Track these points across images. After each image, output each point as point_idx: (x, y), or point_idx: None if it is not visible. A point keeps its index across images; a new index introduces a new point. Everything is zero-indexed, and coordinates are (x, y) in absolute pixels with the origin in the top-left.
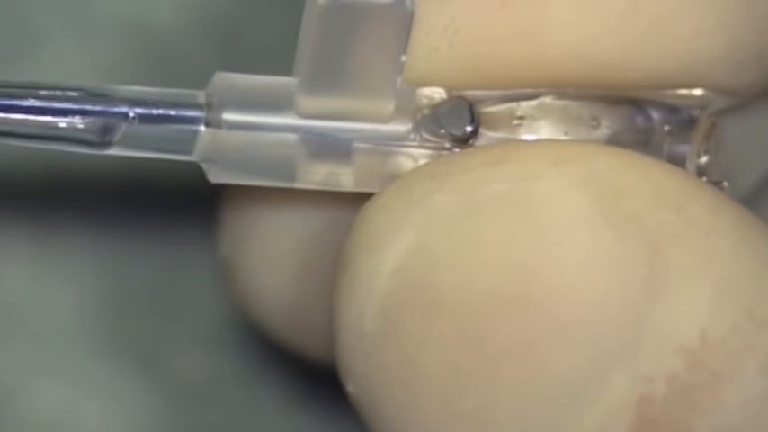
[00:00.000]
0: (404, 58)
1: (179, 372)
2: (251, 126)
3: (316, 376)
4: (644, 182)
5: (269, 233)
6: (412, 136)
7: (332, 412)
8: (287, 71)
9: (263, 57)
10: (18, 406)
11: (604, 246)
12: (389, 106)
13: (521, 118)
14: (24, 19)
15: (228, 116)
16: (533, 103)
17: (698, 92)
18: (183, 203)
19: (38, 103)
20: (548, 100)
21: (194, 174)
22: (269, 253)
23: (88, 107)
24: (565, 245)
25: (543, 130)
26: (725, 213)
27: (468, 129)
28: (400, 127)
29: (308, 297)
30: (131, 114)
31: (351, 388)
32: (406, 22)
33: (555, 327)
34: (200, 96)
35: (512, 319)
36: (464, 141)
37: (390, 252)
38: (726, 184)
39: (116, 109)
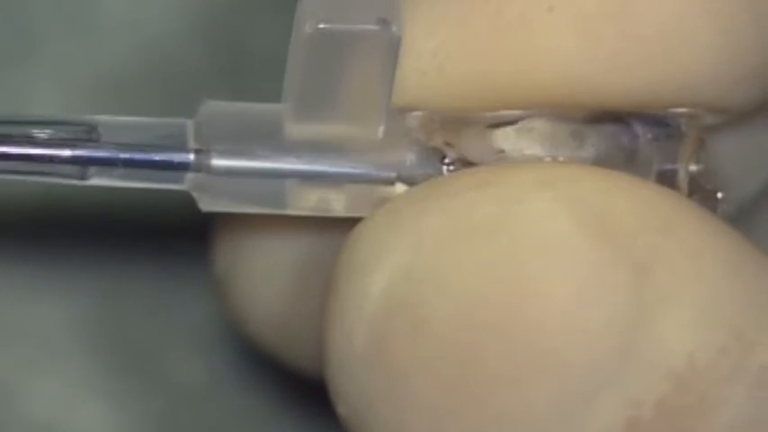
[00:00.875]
0: (392, 82)
1: (176, 375)
2: (241, 170)
3: (310, 383)
4: (631, 204)
5: (262, 253)
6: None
7: (326, 418)
8: (283, 72)
9: (261, 59)
10: (16, 408)
11: (591, 269)
12: (379, 131)
13: (500, 152)
14: (24, 19)
15: (217, 162)
16: (511, 130)
17: (688, 111)
18: (180, 211)
19: (16, 150)
20: (528, 124)
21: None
22: (262, 273)
23: (73, 153)
24: (551, 268)
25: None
26: (712, 235)
27: (445, 170)
28: (390, 155)
29: (300, 316)
30: (118, 160)
31: (341, 409)
32: (393, 48)
33: (542, 352)
34: (189, 132)
35: (499, 344)
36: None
37: (379, 274)
38: (720, 195)
39: (102, 154)
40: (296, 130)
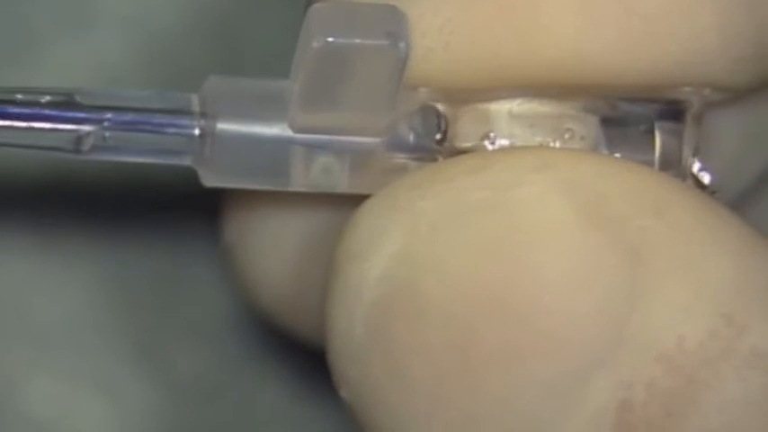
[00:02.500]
0: (398, 92)
1: (179, 368)
2: (245, 135)
3: (316, 371)
4: (624, 187)
5: (271, 224)
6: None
7: (332, 407)
8: (285, 70)
9: (261, 55)
10: (18, 403)
11: (585, 252)
12: (383, 126)
13: (489, 137)
14: (24, 18)
15: (222, 125)
16: (503, 111)
17: (691, 89)
18: (183, 199)
19: (16, 110)
20: (517, 108)
21: (194, 170)
22: (272, 241)
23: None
24: (546, 251)
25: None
26: (706, 218)
27: (438, 136)
28: (393, 136)
29: (308, 287)
30: (122, 122)
31: (343, 393)
32: (400, 62)
33: (537, 333)
34: (194, 102)
35: (494, 326)
36: (431, 151)
37: (376, 259)
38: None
39: (104, 115)
40: (300, 120)
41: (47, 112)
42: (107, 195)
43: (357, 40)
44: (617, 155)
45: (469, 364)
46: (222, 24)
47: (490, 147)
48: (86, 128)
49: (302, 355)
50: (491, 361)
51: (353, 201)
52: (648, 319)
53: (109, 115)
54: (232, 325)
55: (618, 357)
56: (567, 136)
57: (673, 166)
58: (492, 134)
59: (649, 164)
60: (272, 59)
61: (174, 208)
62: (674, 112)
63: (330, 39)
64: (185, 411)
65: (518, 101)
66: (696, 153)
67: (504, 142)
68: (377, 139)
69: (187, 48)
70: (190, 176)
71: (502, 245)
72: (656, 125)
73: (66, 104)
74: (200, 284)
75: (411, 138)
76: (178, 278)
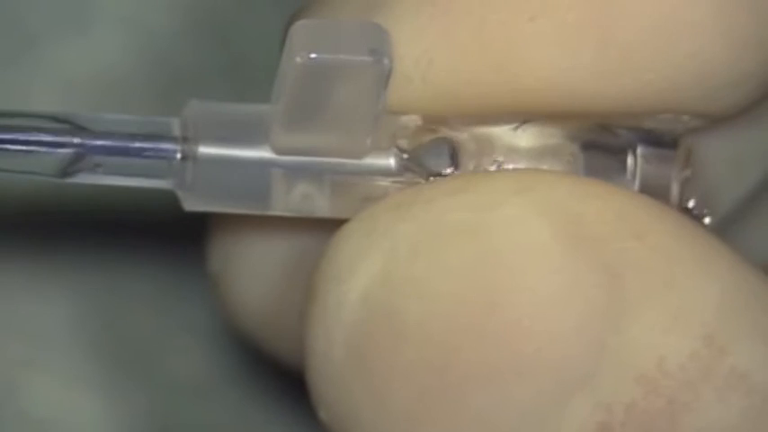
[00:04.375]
0: (382, 108)
1: (176, 369)
2: (226, 160)
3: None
4: (605, 209)
5: (255, 252)
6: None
7: None
8: None
9: (260, 56)
10: (16, 404)
11: (564, 274)
12: (365, 147)
13: (496, 161)
14: (23, 19)
15: (203, 150)
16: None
17: (672, 116)
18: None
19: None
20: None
21: None
22: (255, 271)
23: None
24: (525, 273)
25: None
26: (686, 240)
27: (448, 170)
28: (376, 159)
29: (290, 313)
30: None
31: (322, 415)
32: (383, 78)
33: (516, 356)
34: (175, 127)
35: (474, 349)
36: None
37: (355, 281)
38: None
39: (93, 142)
40: (282, 141)
41: (27, 137)
42: (105, 198)
43: (341, 56)
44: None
45: (448, 385)
46: (220, 25)
47: (468, 169)
48: (67, 151)
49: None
50: (470, 382)
51: (336, 226)
52: (628, 340)
53: (89, 140)
54: (226, 328)
55: (597, 379)
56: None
57: (653, 190)
58: (471, 158)
59: (627, 188)
60: (270, 61)
61: (172, 209)
62: (653, 137)
63: (313, 55)
64: (182, 412)
65: (504, 127)
66: (678, 178)
67: (481, 166)
68: (358, 163)
69: (185, 49)
70: None
71: (481, 267)
72: (636, 151)
73: (47, 129)
74: (198, 286)
75: (392, 162)
76: (175, 280)
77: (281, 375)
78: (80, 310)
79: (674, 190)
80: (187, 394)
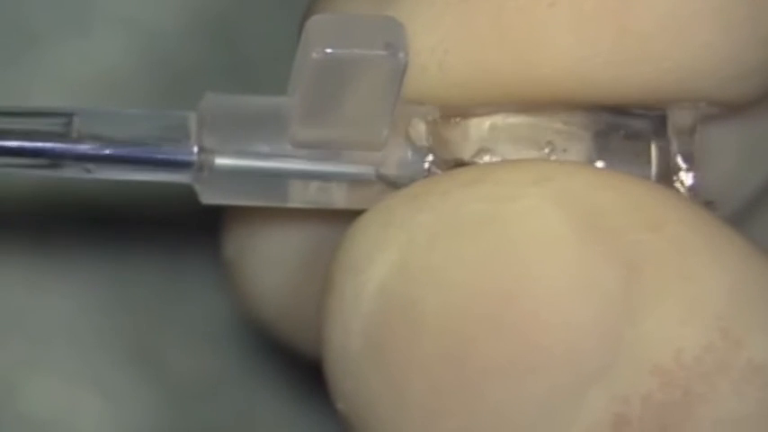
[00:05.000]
0: (397, 100)
1: (177, 369)
2: (244, 169)
3: (314, 374)
4: (622, 200)
5: (271, 239)
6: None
7: (330, 410)
8: (285, 72)
9: (261, 57)
10: (16, 404)
11: (581, 265)
12: (382, 139)
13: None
14: (24, 19)
15: (221, 161)
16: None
17: (689, 105)
18: (182, 201)
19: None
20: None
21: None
22: (271, 258)
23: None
24: (542, 264)
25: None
26: (703, 231)
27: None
28: (388, 152)
29: (307, 302)
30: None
31: (340, 406)
32: (399, 72)
33: (533, 347)
34: (191, 122)
35: (491, 340)
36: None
37: (372, 272)
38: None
39: (104, 152)
40: (300, 135)
41: (40, 144)
42: (110, 199)
43: (356, 51)
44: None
45: (465, 377)
46: (222, 26)
47: (485, 160)
48: (85, 147)
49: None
50: (487, 374)
51: (353, 215)
52: (644, 332)
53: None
54: (230, 326)
55: (614, 371)
56: (547, 150)
57: (669, 179)
58: (487, 148)
59: (645, 178)
60: (271, 61)
61: (173, 210)
62: (669, 126)
63: (329, 50)
64: (183, 412)
65: (509, 115)
66: (692, 166)
67: (498, 157)
68: (371, 168)
69: (187, 50)
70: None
71: (498, 258)
72: (652, 139)
73: (61, 135)
74: (198, 285)
75: (409, 154)
76: (176, 279)
77: (284, 375)
78: (81, 310)
79: (689, 179)
80: (188, 395)
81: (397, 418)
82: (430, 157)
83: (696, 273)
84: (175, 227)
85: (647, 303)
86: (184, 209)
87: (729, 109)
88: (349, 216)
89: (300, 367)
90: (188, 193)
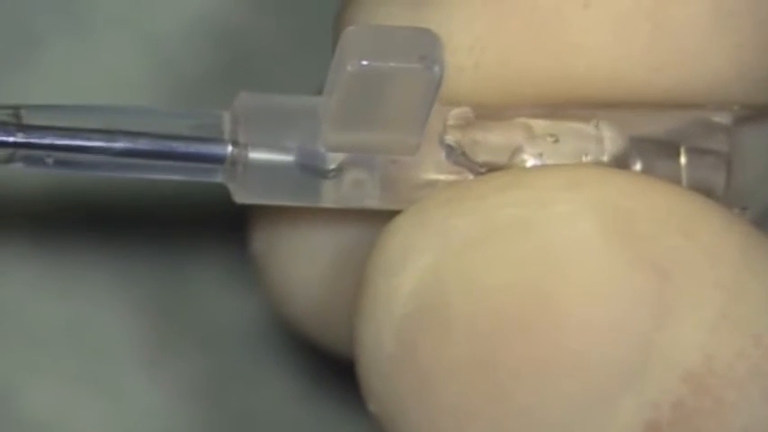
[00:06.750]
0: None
1: (181, 371)
2: (277, 164)
3: (317, 373)
4: (655, 207)
5: (300, 230)
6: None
7: (333, 409)
8: (287, 75)
9: (264, 61)
10: (19, 406)
11: (613, 271)
12: (416, 147)
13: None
14: (24, 21)
15: (255, 155)
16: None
17: (721, 106)
18: (188, 204)
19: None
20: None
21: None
22: (300, 251)
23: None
24: (574, 269)
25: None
26: (734, 238)
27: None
28: (428, 152)
29: (339, 296)
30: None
31: (372, 407)
32: (434, 85)
33: (565, 352)
34: (225, 122)
35: (522, 344)
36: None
37: (406, 275)
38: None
39: (144, 146)
40: (333, 139)
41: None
42: (111, 199)
43: (391, 64)
44: (645, 173)
45: (496, 380)
46: (225, 29)
47: (519, 163)
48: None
49: (304, 358)
50: (518, 378)
51: (383, 214)
52: (676, 338)
53: (141, 141)
54: (234, 328)
55: (645, 377)
56: (588, 155)
57: (701, 183)
58: (521, 151)
59: (677, 181)
60: (274, 65)
61: (178, 212)
62: (701, 128)
63: (364, 62)
64: (187, 414)
65: (543, 118)
66: (726, 170)
67: (532, 159)
68: (408, 159)
69: (189, 53)
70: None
71: (531, 263)
72: (684, 142)
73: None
74: (203, 287)
75: (442, 155)
76: (178, 281)
77: (288, 378)
78: (84, 312)
79: (721, 184)
80: (192, 397)
81: (427, 420)
82: (464, 160)
83: (728, 279)
84: (179, 228)
85: (678, 310)
86: (189, 210)
87: (763, 111)
88: (379, 213)
89: (303, 368)
90: (192, 195)
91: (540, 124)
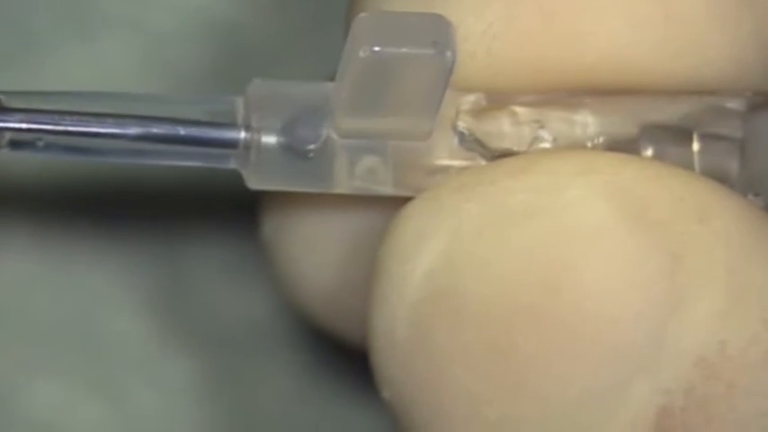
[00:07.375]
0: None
1: (180, 371)
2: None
3: (318, 373)
4: (667, 192)
5: (311, 217)
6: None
7: (334, 409)
8: (285, 73)
9: (263, 60)
10: (19, 406)
11: (627, 256)
12: (428, 132)
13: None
14: (24, 20)
15: (268, 139)
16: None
17: (734, 94)
18: (187, 202)
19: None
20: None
21: (201, 172)
22: (311, 238)
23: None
24: (588, 255)
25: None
26: (747, 224)
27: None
28: (440, 138)
29: (352, 283)
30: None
31: (385, 393)
32: (446, 70)
33: (578, 337)
34: (239, 108)
35: (536, 330)
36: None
37: (420, 260)
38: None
39: (158, 130)
40: (345, 125)
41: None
42: (110, 197)
43: (403, 50)
44: (658, 159)
45: (510, 366)
46: (224, 29)
47: (531, 149)
48: (133, 131)
49: (304, 357)
50: (531, 364)
51: (394, 200)
52: (689, 324)
53: (154, 126)
54: (233, 327)
55: (658, 362)
56: (594, 139)
57: (714, 169)
58: (532, 136)
59: (690, 167)
60: (273, 64)
61: (177, 210)
62: (714, 115)
63: (377, 48)
64: (185, 414)
65: (555, 104)
66: (739, 156)
67: (542, 145)
68: (421, 144)
69: (189, 53)
70: (196, 179)
71: (544, 248)
72: (697, 128)
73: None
74: (202, 287)
75: (455, 141)
76: (180, 280)
77: (286, 377)
78: (83, 312)
79: (734, 170)
80: (191, 397)
81: (441, 407)
82: (476, 146)
83: (741, 265)
84: (179, 226)
85: (691, 295)
86: (189, 207)
87: None
88: (391, 199)
89: (303, 368)
90: (193, 194)
91: (552, 111)
